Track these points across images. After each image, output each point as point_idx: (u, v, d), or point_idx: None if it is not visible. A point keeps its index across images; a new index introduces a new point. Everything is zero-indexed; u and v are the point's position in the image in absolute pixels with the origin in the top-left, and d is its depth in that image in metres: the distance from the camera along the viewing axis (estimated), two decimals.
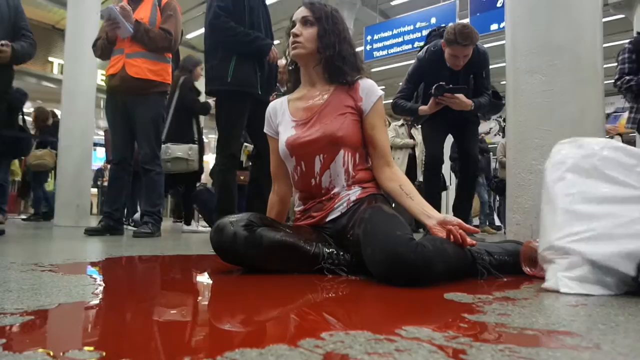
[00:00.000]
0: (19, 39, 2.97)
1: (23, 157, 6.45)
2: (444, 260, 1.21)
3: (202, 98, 4.56)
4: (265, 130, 1.70)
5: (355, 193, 1.52)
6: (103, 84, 3.57)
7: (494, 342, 0.66)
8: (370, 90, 1.57)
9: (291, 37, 1.56)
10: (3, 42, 2.80)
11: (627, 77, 3.32)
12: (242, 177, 5.40)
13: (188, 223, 4.62)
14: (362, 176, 1.56)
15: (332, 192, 1.53)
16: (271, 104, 1.71)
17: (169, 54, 3.43)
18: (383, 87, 15.07)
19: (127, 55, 3.22)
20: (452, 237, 1.31)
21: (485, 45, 3.35)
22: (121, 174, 3.39)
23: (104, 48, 3.32)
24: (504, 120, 4.59)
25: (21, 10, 3.06)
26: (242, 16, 2.78)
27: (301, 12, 1.59)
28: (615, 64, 3.58)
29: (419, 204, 1.46)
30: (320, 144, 1.52)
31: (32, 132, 5.92)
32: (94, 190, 10.05)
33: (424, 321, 0.82)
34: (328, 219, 1.53)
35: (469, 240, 1.31)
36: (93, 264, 1.59)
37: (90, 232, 3.20)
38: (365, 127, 1.57)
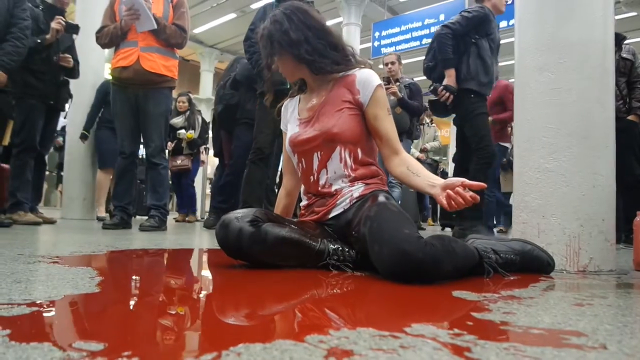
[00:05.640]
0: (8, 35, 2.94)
1: None
2: (452, 260, 1.21)
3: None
4: (281, 127, 1.76)
5: (358, 189, 1.51)
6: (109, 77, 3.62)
7: (499, 340, 0.66)
8: (367, 81, 1.53)
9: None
10: None
11: None
12: (178, 162, 5.37)
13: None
14: (365, 172, 1.54)
15: (334, 189, 1.53)
16: (285, 102, 1.75)
17: (178, 50, 3.45)
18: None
19: (141, 49, 3.22)
20: (453, 203, 1.29)
21: None
22: (131, 167, 3.40)
23: (114, 37, 3.27)
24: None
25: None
26: None
27: (267, 48, 1.59)
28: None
29: (424, 178, 1.45)
30: (317, 142, 1.54)
31: None
32: None
33: (429, 318, 0.82)
34: (331, 215, 1.53)
35: (468, 196, 1.28)
36: (99, 257, 1.60)
37: (109, 226, 3.22)
38: (367, 119, 1.54)
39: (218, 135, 4.75)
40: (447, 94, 3.29)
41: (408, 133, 4.45)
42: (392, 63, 4.54)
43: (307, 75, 1.61)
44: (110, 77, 4.96)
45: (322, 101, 1.58)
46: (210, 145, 6.69)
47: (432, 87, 3.50)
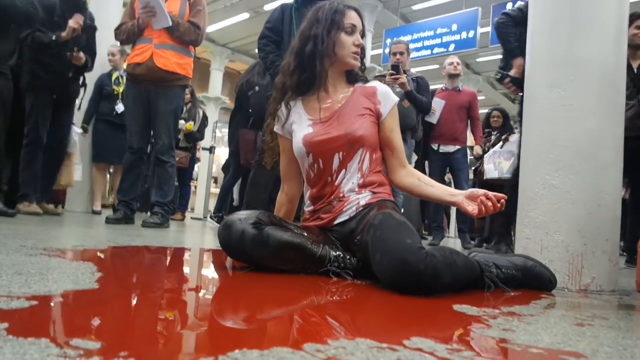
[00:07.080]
0: None
1: None
2: (453, 272, 1.20)
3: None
4: (275, 130, 1.70)
5: (365, 197, 1.52)
6: None
7: (498, 358, 0.65)
8: (388, 95, 1.62)
9: (354, 46, 1.59)
10: None
11: None
12: (177, 158, 5.28)
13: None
14: (374, 179, 1.55)
15: (343, 192, 1.53)
16: (282, 104, 1.69)
17: (193, 48, 3.46)
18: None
19: (155, 46, 3.24)
20: (484, 208, 1.37)
21: None
22: (138, 162, 3.42)
23: (131, 34, 3.29)
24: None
25: None
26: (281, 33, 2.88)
27: (358, 21, 1.62)
28: None
29: (440, 188, 1.54)
30: (340, 142, 1.54)
31: None
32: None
33: (428, 332, 0.81)
34: (336, 222, 1.52)
35: (498, 205, 1.38)
36: (101, 252, 1.61)
37: (111, 220, 3.23)
38: (383, 129, 1.60)
39: (236, 132, 4.29)
40: (513, 87, 2.88)
41: (412, 131, 4.01)
42: (401, 53, 4.07)
43: (340, 73, 1.65)
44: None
45: (343, 104, 1.60)
46: (215, 142, 6.61)
47: (497, 74, 3.06)
